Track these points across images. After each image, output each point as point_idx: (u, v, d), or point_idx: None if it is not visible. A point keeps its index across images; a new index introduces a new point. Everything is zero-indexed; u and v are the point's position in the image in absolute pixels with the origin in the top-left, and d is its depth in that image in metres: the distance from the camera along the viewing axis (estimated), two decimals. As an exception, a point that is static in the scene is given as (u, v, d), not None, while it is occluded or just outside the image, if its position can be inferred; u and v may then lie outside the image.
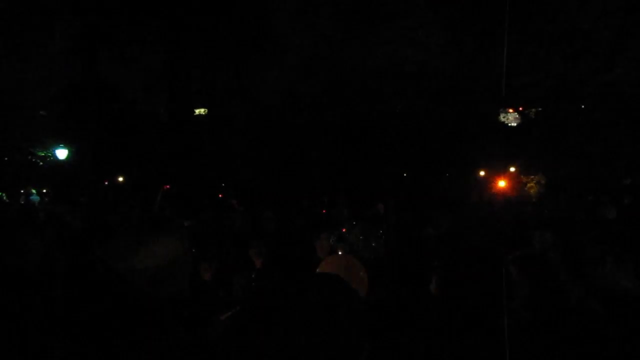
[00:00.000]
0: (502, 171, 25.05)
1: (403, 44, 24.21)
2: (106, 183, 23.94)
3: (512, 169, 24.94)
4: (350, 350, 1.41)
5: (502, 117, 27.43)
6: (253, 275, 4.60)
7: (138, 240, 1.94)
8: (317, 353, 1.38)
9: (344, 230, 5.51)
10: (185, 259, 1.99)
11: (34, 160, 24.08)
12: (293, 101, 24.98)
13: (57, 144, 21.44)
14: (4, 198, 16.66)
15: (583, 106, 21.09)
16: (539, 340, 2.09)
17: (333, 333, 1.38)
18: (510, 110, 26.88)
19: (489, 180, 23.24)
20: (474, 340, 2.39)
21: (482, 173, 26.02)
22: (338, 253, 4.37)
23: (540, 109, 23.66)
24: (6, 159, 23.83)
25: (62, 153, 21.08)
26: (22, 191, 21.12)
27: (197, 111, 28.89)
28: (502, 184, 18.14)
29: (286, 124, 24.42)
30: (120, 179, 25.21)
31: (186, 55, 25.57)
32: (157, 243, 1.93)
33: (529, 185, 23.61)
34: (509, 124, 27.25)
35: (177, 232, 2.03)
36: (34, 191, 21.38)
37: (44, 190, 22.96)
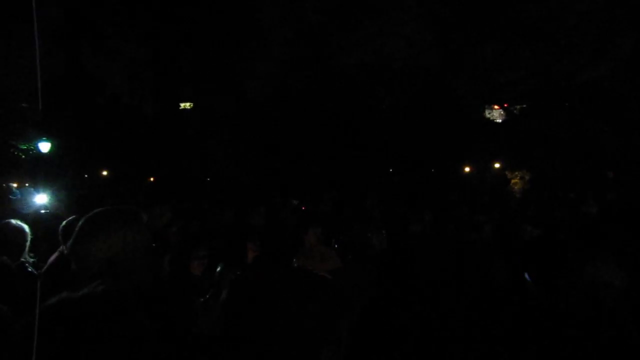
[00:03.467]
0: (487, 167, 25.27)
1: (390, 39, 24.23)
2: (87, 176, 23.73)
3: (497, 165, 25.16)
4: (319, 339, 1.40)
5: (487, 114, 27.63)
6: (238, 272, 4.57)
7: (92, 231, 1.93)
8: (289, 339, 1.37)
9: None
10: (142, 250, 1.98)
11: (15, 153, 23.75)
12: (279, 95, 24.89)
13: (40, 137, 21.14)
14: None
15: (567, 103, 21.27)
16: (528, 335, 2.11)
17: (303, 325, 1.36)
18: (496, 107, 27.08)
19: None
20: (464, 335, 2.40)
21: (467, 169, 26.24)
22: (316, 245, 4.35)
23: (525, 105, 23.84)
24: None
25: (44, 146, 20.79)
26: (3, 185, 20.82)
27: (182, 105, 28.70)
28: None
29: (272, 118, 24.34)
30: (104, 173, 24.99)
31: (171, 49, 25.34)
32: (111, 234, 1.92)
33: (513, 181, 23.82)
34: (494, 120, 27.45)
35: (134, 222, 2.02)
36: (14, 185, 21.08)
37: (26, 185, 22.67)
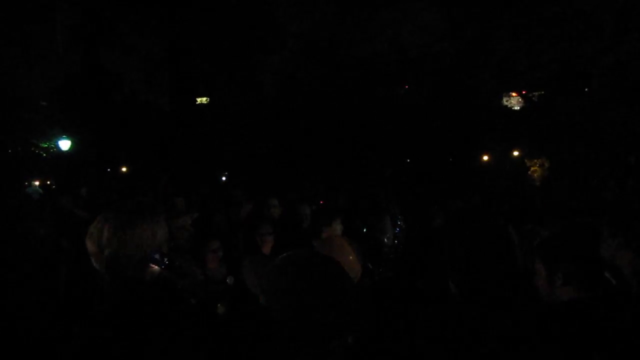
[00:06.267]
0: (506, 155, 25.01)
1: (404, 28, 24.04)
2: (109, 171, 23.99)
3: (516, 153, 24.87)
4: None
5: (505, 101, 27.29)
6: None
7: (121, 226, 1.88)
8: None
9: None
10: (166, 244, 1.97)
11: (36, 151, 24.09)
12: (295, 88, 24.86)
13: (60, 135, 21.41)
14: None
15: (587, 88, 20.95)
16: (552, 324, 2.08)
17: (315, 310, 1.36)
18: (514, 94, 26.73)
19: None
20: (489, 328, 2.39)
21: (485, 158, 25.98)
22: (329, 235, 4.33)
23: (543, 92, 23.52)
24: (10, 150, 23.85)
25: (65, 144, 21.06)
26: (26, 183, 21.14)
27: (198, 100, 28.81)
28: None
29: (288, 111, 24.33)
30: (124, 169, 25.23)
31: (187, 44, 25.45)
32: (140, 229, 1.89)
33: (533, 169, 23.55)
34: (512, 108, 27.11)
35: (159, 218, 1.98)
36: (36, 184, 21.39)
37: (48, 182, 23.00)
